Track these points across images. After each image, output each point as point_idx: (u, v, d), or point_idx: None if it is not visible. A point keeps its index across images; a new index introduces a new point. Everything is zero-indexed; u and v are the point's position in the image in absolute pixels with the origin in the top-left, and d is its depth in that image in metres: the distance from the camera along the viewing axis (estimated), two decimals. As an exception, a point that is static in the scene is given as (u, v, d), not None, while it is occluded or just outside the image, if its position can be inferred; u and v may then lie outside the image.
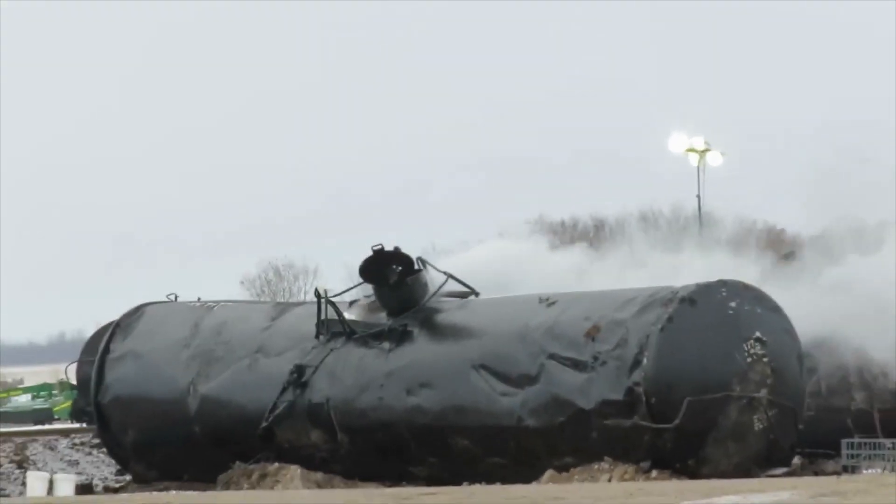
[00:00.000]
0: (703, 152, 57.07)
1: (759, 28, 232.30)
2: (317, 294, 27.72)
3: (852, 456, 24.89)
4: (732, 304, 23.71)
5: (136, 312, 30.57)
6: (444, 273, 26.94)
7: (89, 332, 49.43)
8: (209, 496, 23.09)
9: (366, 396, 25.89)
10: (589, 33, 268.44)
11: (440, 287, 26.38)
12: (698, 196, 58.00)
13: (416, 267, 26.36)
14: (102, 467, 32.95)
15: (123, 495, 27.50)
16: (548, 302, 25.13)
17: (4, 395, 76.42)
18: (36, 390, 74.44)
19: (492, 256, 33.48)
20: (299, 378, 25.96)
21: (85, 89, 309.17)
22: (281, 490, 23.67)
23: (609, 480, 20.50)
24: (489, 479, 21.92)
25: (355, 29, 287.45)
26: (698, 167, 57.77)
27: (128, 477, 29.48)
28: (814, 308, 26.40)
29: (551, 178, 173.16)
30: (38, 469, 32.50)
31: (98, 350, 30.71)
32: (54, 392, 70.80)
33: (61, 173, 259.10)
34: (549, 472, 21.33)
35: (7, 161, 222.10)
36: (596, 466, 21.41)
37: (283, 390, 26.45)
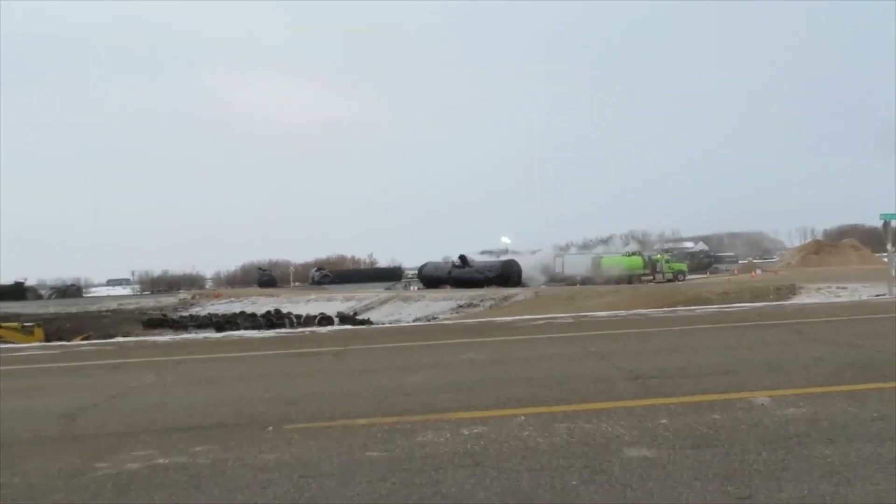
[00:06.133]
0: (505, 241, 76.98)
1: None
2: (453, 262, 60.06)
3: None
4: (515, 259, 56.91)
5: (426, 263, 65.09)
6: (473, 258, 60.20)
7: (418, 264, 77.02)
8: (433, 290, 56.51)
9: (454, 276, 58.12)
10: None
11: (470, 261, 59.09)
12: (508, 244, 75.38)
13: (466, 257, 59.71)
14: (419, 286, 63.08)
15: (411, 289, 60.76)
16: (483, 263, 59.08)
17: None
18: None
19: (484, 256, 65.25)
20: (449, 273, 59.59)
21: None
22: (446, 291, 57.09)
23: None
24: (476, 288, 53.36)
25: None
26: (507, 243, 76.12)
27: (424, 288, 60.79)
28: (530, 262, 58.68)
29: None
30: (410, 287, 64.94)
31: (420, 270, 65.52)
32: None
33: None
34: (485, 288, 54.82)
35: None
36: (492, 288, 52.64)
37: (448, 272, 59.92)
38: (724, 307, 17.34)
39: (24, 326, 31.66)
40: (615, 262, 55.93)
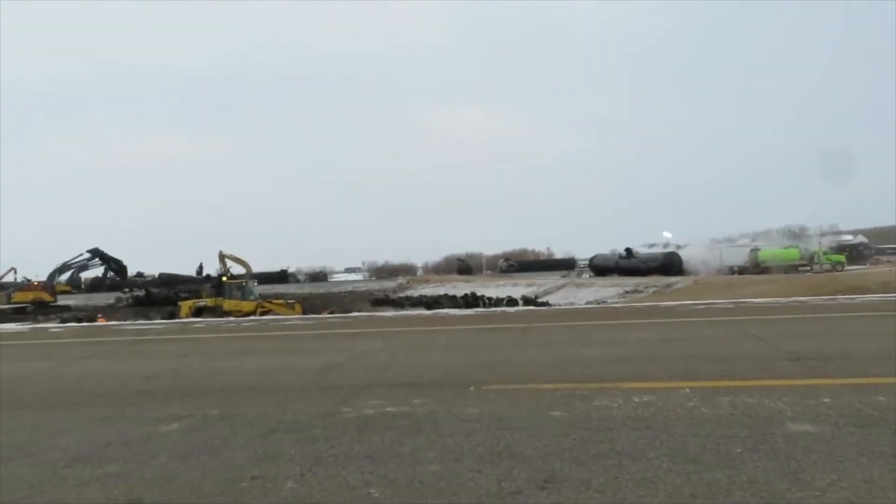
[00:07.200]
0: (666, 236, 59.86)
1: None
2: (620, 254, 54.27)
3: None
4: (676, 252, 54.19)
5: (596, 255, 56.47)
6: (637, 250, 54.21)
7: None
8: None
9: (621, 266, 50.23)
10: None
11: (635, 252, 52.79)
12: (669, 238, 59.75)
13: (631, 249, 53.88)
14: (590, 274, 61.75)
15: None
16: (647, 254, 56.09)
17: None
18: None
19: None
20: (616, 263, 50.69)
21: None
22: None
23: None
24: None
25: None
26: (668, 237, 59.87)
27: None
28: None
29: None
30: (582, 275, 61.51)
31: (590, 261, 56.79)
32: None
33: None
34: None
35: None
36: (655, 277, 50.21)
37: (615, 262, 52.20)
38: (887, 296, 15.13)
39: (287, 303, 34.95)
40: (772, 253, 50.80)
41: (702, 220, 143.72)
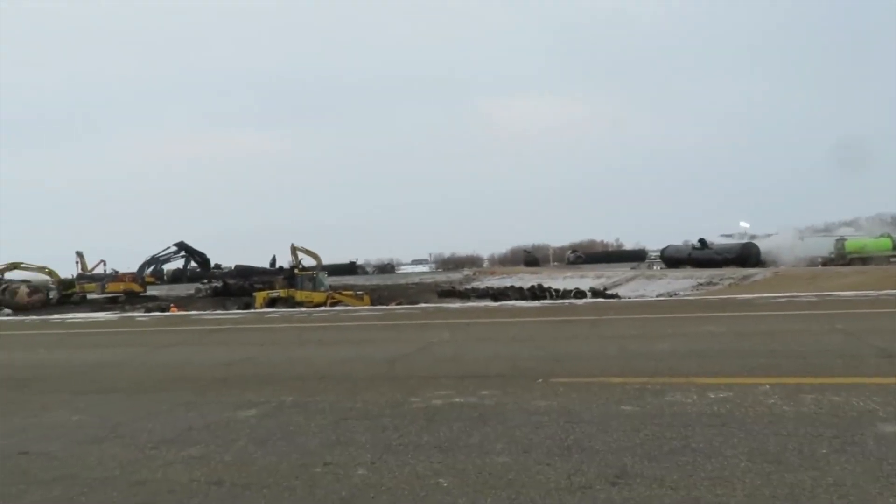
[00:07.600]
0: (743, 226, 63.21)
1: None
2: (693, 245, 53.03)
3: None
4: (754, 242, 52.45)
5: (667, 246, 53.92)
6: (712, 241, 53.60)
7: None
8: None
9: (694, 257, 48.23)
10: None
11: (709, 243, 49.59)
12: (746, 228, 63.01)
13: (705, 240, 51.53)
14: (662, 266, 63.18)
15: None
16: (722, 245, 51.69)
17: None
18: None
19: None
20: (689, 255, 49.54)
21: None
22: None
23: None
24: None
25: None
26: (745, 227, 62.54)
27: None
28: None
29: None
30: (653, 267, 61.40)
31: (662, 252, 55.11)
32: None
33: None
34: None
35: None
36: (731, 268, 48.81)
37: (688, 253, 52.52)
38: None
39: (356, 294, 35.68)
40: (861, 243, 47.80)
41: (784, 210, 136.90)
